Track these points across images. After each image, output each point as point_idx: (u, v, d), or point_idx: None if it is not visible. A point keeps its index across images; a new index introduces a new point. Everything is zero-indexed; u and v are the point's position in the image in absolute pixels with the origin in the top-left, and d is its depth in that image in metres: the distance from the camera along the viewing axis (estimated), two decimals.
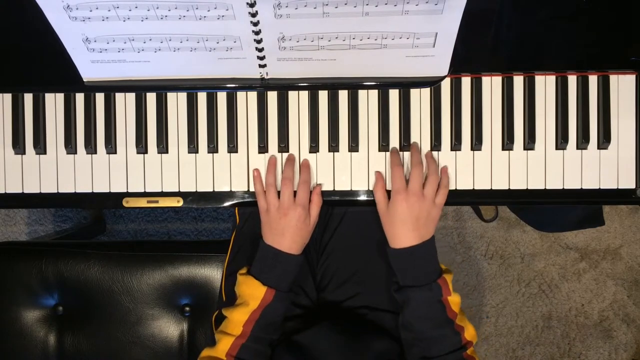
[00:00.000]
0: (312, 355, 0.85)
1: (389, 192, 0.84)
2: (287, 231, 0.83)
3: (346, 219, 0.97)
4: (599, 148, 0.86)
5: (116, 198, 0.88)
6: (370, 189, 0.87)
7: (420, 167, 0.82)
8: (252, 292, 0.81)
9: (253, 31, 0.76)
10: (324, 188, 0.87)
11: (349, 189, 0.87)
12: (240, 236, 1.01)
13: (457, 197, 0.86)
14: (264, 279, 0.82)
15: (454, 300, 0.81)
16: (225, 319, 0.83)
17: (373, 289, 0.95)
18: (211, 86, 0.86)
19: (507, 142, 0.86)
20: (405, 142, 0.86)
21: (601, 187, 0.86)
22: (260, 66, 0.82)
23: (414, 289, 0.80)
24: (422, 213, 0.81)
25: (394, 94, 0.87)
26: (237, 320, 0.81)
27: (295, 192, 0.84)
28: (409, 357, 0.84)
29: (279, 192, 0.85)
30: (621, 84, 0.86)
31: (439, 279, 0.81)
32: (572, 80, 0.86)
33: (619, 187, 0.86)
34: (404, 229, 0.81)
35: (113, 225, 1.67)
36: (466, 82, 0.87)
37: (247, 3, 0.72)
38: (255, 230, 0.96)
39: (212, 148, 0.87)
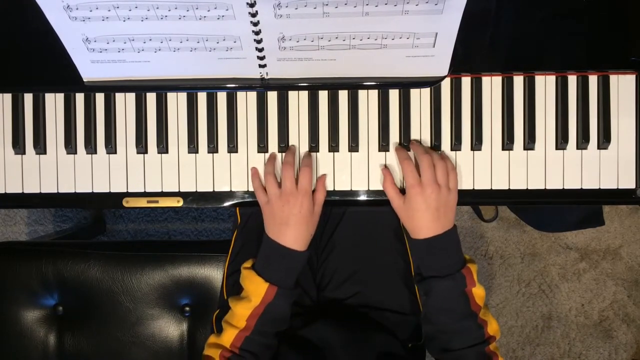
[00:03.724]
0: (316, 350, 0.85)
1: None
2: (290, 220, 0.81)
3: (345, 218, 0.97)
4: (599, 148, 0.86)
5: (116, 198, 0.88)
6: (371, 188, 0.87)
7: (427, 157, 0.80)
8: (254, 288, 0.80)
9: (253, 31, 0.76)
10: None
11: (349, 189, 0.87)
12: (242, 235, 1.01)
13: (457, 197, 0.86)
14: (267, 275, 0.80)
15: (478, 293, 0.79)
16: (230, 309, 0.83)
17: (373, 288, 0.95)
18: (211, 86, 0.86)
19: (507, 142, 0.86)
20: (406, 142, 0.86)
21: (601, 187, 0.86)
22: (260, 66, 0.82)
23: (438, 279, 0.79)
24: (441, 202, 0.79)
25: (394, 94, 0.87)
26: (241, 314, 0.80)
27: (296, 181, 0.83)
28: (430, 351, 0.83)
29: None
30: (621, 84, 0.86)
31: (463, 268, 0.79)
32: (572, 80, 0.86)
33: (619, 187, 0.86)
34: (425, 220, 0.79)
35: (113, 225, 1.67)
36: (466, 82, 0.87)
37: (247, 3, 0.72)
38: (258, 228, 0.96)
39: (212, 148, 0.87)
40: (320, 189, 0.84)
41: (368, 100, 0.87)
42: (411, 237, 0.81)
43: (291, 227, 0.81)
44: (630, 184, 0.86)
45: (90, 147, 0.88)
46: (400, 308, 0.94)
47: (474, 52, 0.85)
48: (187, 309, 1.10)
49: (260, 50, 0.79)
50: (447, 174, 0.81)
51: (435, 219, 0.79)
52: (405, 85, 0.86)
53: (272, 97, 0.87)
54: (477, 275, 0.80)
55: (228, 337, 0.80)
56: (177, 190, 0.88)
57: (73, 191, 0.88)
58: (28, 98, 0.88)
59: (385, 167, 0.86)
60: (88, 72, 0.83)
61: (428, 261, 0.80)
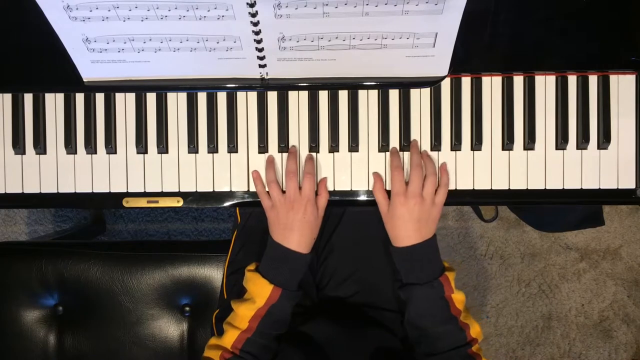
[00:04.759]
0: (315, 345, 0.85)
1: (389, 192, 0.84)
2: (295, 225, 0.82)
3: (345, 218, 0.97)
4: (599, 148, 0.86)
5: (116, 198, 0.88)
6: (371, 189, 0.87)
7: (419, 169, 0.83)
8: (259, 290, 0.81)
9: (253, 31, 0.76)
10: None
11: (349, 189, 0.87)
12: (242, 235, 1.01)
13: (457, 197, 0.86)
14: (271, 277, 0.82)
15: (457, 298, 0.81)
16: (233, 311, 0.83)
17: (372, 287, 0.96)
18: (211, 86, 0.86)
19: (507, 142, 0.86)
20: (405, 142, 0.86)
21: (601, 187, 0.86)
22: (260, 66, 0.82)
23: (416, 287, 0.81)
24: (423, 215, 0.81)
25: (394, 94, 0.87)
26: (243, 315, 0.81)
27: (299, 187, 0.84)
28: (416, 355, 0.84)
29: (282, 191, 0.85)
30: (621, 84, 0.86)
31: (441, 276, 0.81)
32: (572, 80, 0.86)
33: (619, 187, 0.86)
34: (406, 230, 0.81)
35: (113, 225, 1.67)
36: (466, 82, 0.87)
37: (247, 3, 0.72)
38: (258, 228, 0.97)
39: (212, 148, 0.87)
40: (323, 193, 0.85)
41: (368, 100, 0.87)
42: (392, 245, 0.83)
43: (296, 232, 0.82)
44: (630, 184, 0.86)
45: (90, 147, 0.88)
46: (399, 307, 0.94)
47: (474, 52, 0.85)
48: (187, 309, 1.10)
49: (260, 50, 0.79)
50: (434, 188, 0.83)
51: (416, 230, 0.81)
52: (405, 85, 0.86)
53: (272, 97, 0.87)
54: (454, 282, 0.82)
55: (229, 338, 0.81)
56: (177, 190, 0.88)
57: (73, 191, 0.88)
58: (28, 98, 0.88)
59: (376, 173, 0.86)
60: (88, 72, 0.83)
61: (408, 269, 0.82)
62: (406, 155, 0.86)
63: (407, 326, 0.84)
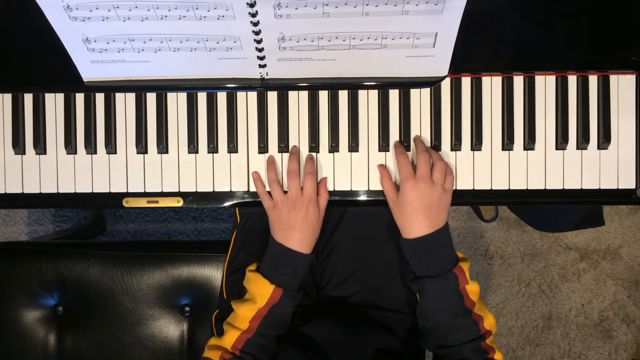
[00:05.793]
0: (315, 345, 0.85)
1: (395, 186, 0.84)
2: (297, 225, 0.82)
3: (345, 218, 0.97)
4: (599, 148, 0.86)
5: (116, 198, 0.88)
6: (371, 188, 0.87)
7: (426, 153, 0.81)
8: (260, 290, 0.81)
9: (253, 31, 0.76)
10: None
11: (349, 189, 0.87)
12: (242, 235, 1.01)
13: (457, 197, 0.86)
14: (272, 277, 0.82)
15: (472, 289, 0.79)
16: (233, 311, 0.83)
17: (372, 287, 0.95)
18: (211, 86, 0.86)
19: (507, 142, 0.86)
20: (406, 142, 0.86)
21: (601, 187, 0.86)
22: (260, 66, 0.82)
23: (430, 279, 0.79)
24: (433, 199, 0.79)
25: (394, 94, 0.87)
26: (244, 315, 0.81)
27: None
28: (426, 346, 0.83)
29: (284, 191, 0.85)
30: (621, 84, 0.86)
31: (455, 267, 0.79)
32: (572, 80, 0.86)
33: (619, 187, 0.86)
34: (416, 217, 0.79)
35: (113, 225, 1.67)
36: (466, 82, 0.87)
37: (247, 3, 0.72)
38: (258, 228, 0.97)
39: (212, 148, 0.87)
40: (323, 193, 0.85)
41: (368, 100, 0.87)
42: (403, 237, 0.82)
43: (297, 232, 0.82)
44: (630, 184, 0.86)
45: (90, 147, 0.88)
46: (400, 307, 0.94)
47: (474, 52, 0.85)
48: (187, 309, 1.10)
49: (260, 50, 0.79)
50: (444, 174, 0.81)
51: (427, 216, 0.79)
52: (405, 85, 0.86)
53: (272, 97, 0.87)
54: (469, 273, 0.80)
55: (229, 339, 0.80)
56: (177, 190, 0.88)
57: (73, 191, 0.88)
58: (28, 98, 0.88)
59: (382, 166, 0.86)
60: (88, 72, 0.83)
61: (420, 261, 0.80)
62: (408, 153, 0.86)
63: (418, 318, 0.83)
